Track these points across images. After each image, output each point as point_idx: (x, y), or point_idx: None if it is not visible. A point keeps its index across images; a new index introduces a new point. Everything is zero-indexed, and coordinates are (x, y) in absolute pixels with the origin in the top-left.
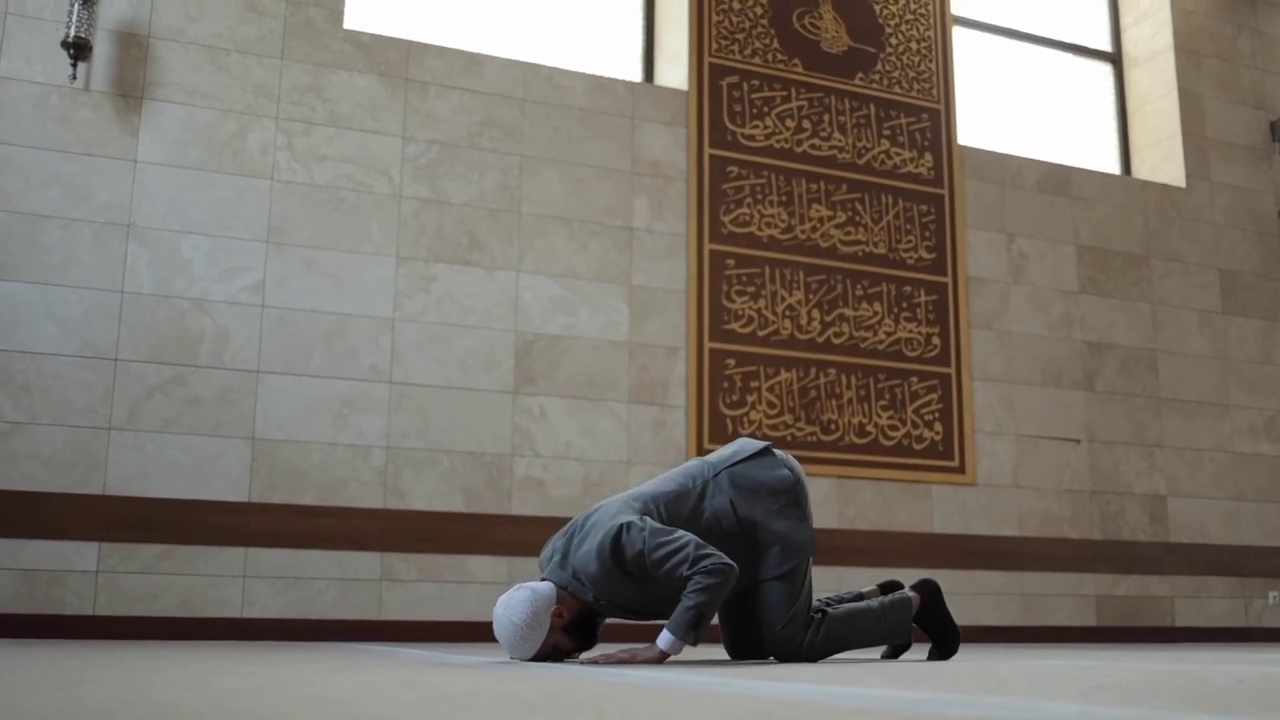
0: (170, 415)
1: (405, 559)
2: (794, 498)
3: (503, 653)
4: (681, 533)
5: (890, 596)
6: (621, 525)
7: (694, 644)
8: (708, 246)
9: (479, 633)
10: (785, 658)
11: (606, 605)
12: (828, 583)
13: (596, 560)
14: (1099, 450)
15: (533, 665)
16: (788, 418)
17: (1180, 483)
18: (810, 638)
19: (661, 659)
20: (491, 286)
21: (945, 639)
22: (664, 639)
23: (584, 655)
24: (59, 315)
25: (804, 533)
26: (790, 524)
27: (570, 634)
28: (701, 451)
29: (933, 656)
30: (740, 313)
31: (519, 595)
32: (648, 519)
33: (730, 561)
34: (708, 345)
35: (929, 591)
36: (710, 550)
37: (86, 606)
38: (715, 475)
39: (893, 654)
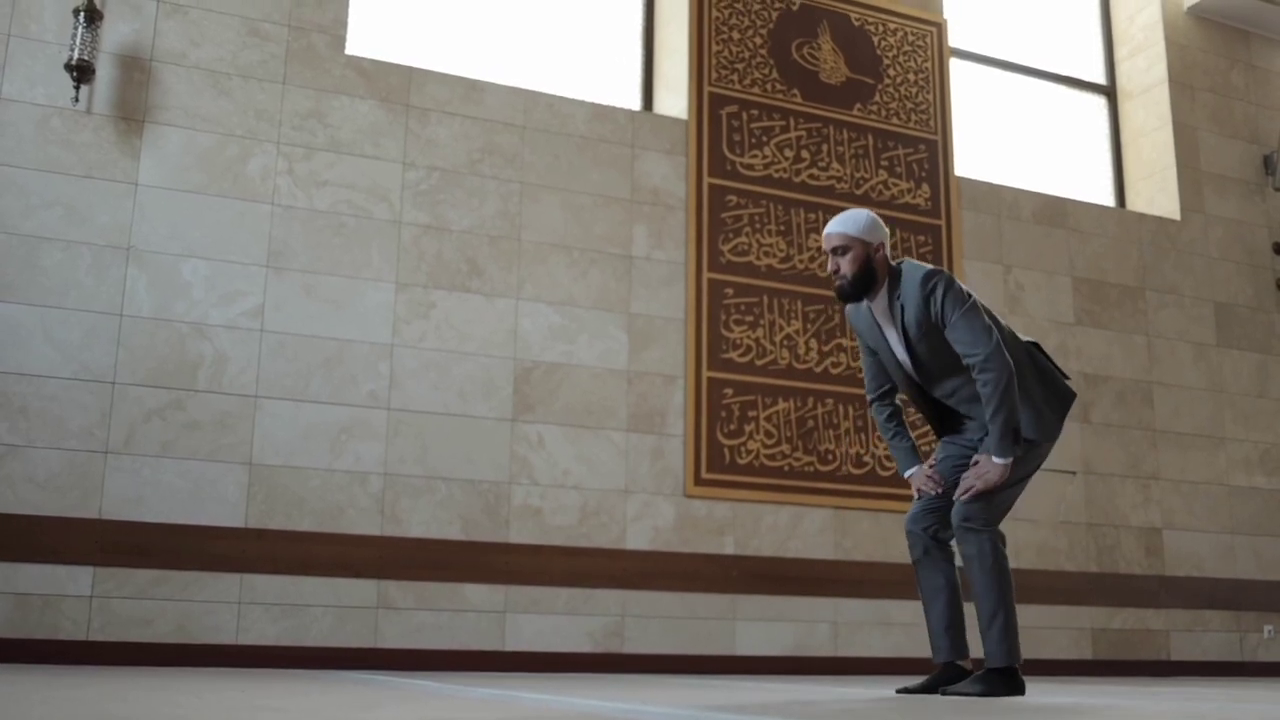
0: (167, 439)
1: (402, 587)
2: (1065, 402)
3: (507, 685)
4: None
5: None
6: (932, 273)
7: (1019, 455)
8: (706, 275)
9: (476, 661)
10: (963, 520)
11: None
12: (824, 613)
13: (919, 288)
14: (1094, 482)
15: (549, 698)
16: (785, 447)
17: (1176, 515)
18: (990, 540)
19: (1004, 472)
20: (491, 313)
21: (986, 689)
22: (998, 459)
23: (919, 484)
24: (57, 338)
25: (1053, 421)
26: (1053, 406)
27: (858, 270)
28: (699, 480)
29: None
30: (738, 342)
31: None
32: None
33: (1007, 361)
34: (706, 374)
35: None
36: (999, 341)
37: (80, 632)
38: (1023, 340)
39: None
